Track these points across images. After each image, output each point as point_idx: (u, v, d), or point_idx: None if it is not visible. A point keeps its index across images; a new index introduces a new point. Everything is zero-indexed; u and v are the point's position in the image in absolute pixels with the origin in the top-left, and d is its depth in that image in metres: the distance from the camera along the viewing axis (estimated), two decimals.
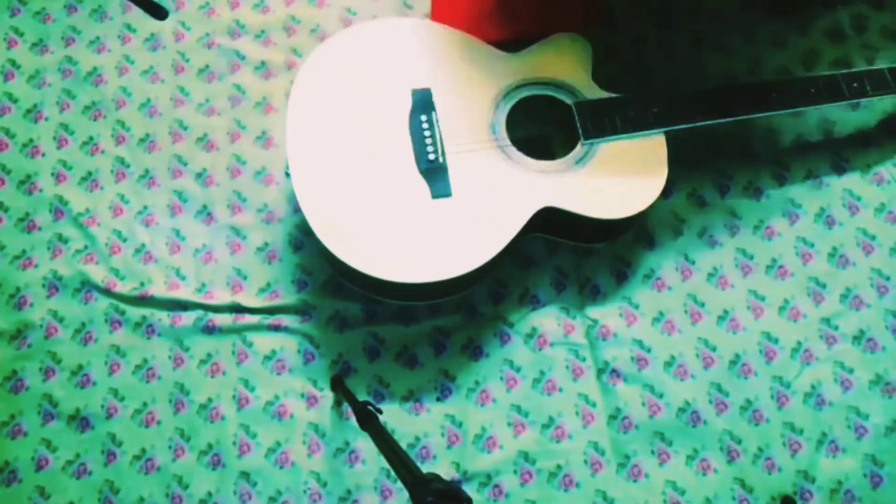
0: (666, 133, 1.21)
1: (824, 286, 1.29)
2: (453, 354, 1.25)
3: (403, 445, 1.15)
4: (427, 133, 1.19)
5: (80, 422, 1.21)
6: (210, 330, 1.26)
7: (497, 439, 1.21)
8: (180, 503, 1.18)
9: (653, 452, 1.21)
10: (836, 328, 1.27)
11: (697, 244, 1.31)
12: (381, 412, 1.06)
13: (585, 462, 1.20)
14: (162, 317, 1.26)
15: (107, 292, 1.27)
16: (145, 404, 1.22)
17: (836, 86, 1.24)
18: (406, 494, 0.86)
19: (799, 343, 1.26)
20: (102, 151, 1.34)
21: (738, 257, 1.30)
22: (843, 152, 1.36)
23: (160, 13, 1.34)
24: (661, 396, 1.23)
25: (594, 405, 1.23)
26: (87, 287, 1.27)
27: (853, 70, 1.26)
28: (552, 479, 1.20)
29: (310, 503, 1.18)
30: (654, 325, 1.27)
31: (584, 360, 1.25)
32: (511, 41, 1.29)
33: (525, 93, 1.23)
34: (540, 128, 1.27)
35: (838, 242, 1.31)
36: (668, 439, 1.22)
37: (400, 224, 1.15)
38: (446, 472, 1.19)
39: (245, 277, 1.28)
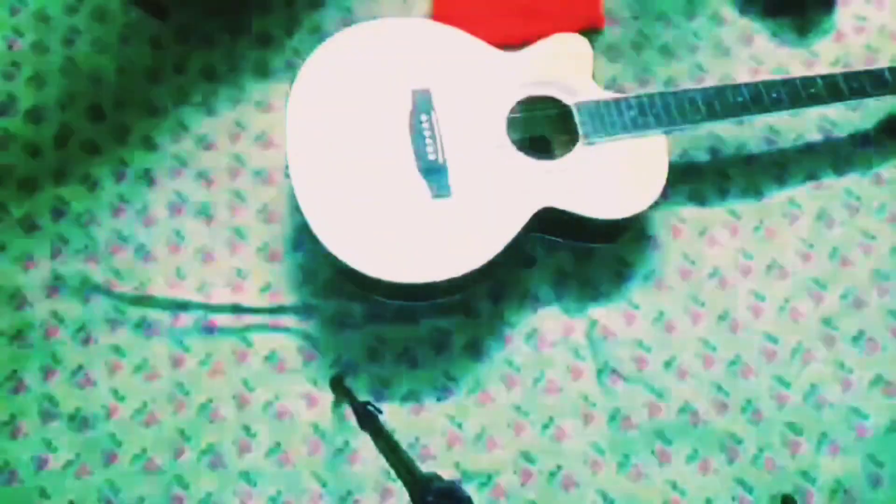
0: (666, 133, 1.21)
1: (824, 286, 1.29)
2: (453, 354, 1.25)
3: (403, 445, 1.14)
4: (427, 133, 1.19)
5: (80, 422, 1.21)
6: (210, 330, 1.26)
7: (497, 439, 1.21)
8: (180, 503, 1.18)
9: (653, 452, 1.21)
10: (836, 328, 1.27)
11: (697, 244, 1.31)
12: (381, 412, 1.06)
13: (585, 462, 1.20)
14: (162, 317, 1.26)
15: (107, 292, 1.26)
16: (145, 404, 1.22)
17: (835, 86, 1.24)
18: (406, 494, 0.86)
19: (799, 343, 1.26)
20: (102, 151, 1.34)
21: (738, 257, 1.30)
22: (843, 152, 1.36)
23: (160, 13, 1.34)
24: (661, 396, 1.23)
25: (594, 405, 1.23)
26: (87, 287, 1.27)
27: (853, 70, 1.26)
28: (552, 479, 1.20)
29: (310, 503, 1.18)
30: (654, 325, 1.27)
31: (584, 360, 1.25)
32: (511, 41, 1.29)
33: (525, 93, 1.23)
34: (540, 128, 1.27)
35: (838, 242, 1.31)
36: (668, 439, 1.22)
37: (400, 224, 1.15)
38: (446, 472, 1.19)
39: (245, 277, 1.28)
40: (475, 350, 1.26)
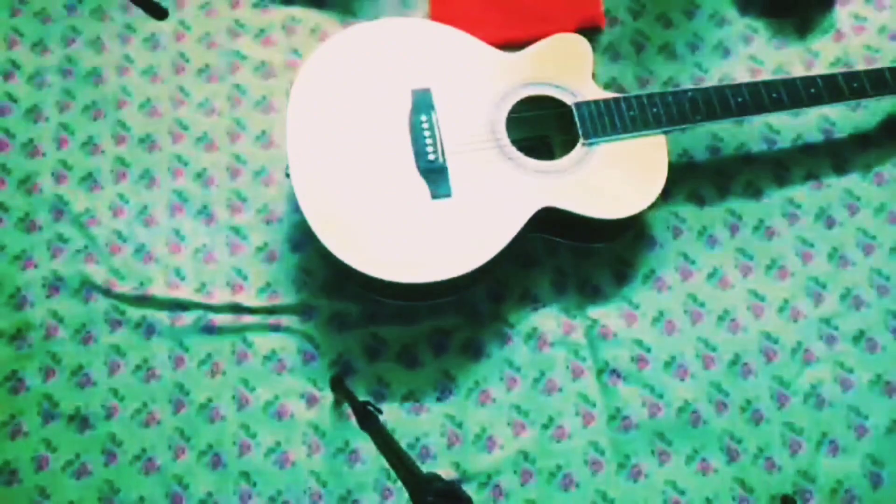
0: (666, 133, 1.21)
1: (824, 286, 1.29)
2: (453, 354, 1.25)
3: (403, 445, 1.14)
4: (427, 133, 1.19)
5: (80, 422, 1.21)
6: (210, 330, 1.26)
7: (497, 439, 1.22)
8: (180, 503, 1.18)
9: (653, 452, 1.21)
10: (836, 328, 1.27)
11: (697, 244, 1.31)
12: (381, 412, 1.06)
13: (585, 462, 1.20)
14: (162, 317, 1.26)
15: (107, 292, 1.27)
16: (145, 404, 1.22)
17: (835, 86, 1.24)
18: (406, 494, 0.86)
19: (799, 343, 1.26)
20: (102, 151, 1.34)
21: (738, 257, 1.30)
22: (843, 152, 1.36)
23: (160, 13, 1.34)
24: (661, 396, 1.23)
25: (594, 405, 1.23)
26: (87, 287, 1.27)
27: (853, 70, 1.26)
28: (552, 479, 1.20)
29: (310, 503, 1.18)
30: (654, 325, 1.27)
31: (584, 360, 1.25)
32: (511, 41, 1.29)
33: (525, 93, 1.23)
34: (540, 128, 1.27)
35: (838, 242, 1.31)
36: (668, 439, 1.22)
37: (400, 224, 1.15)
38: (446, 472, 1.19)
39: (245, 277, 1.28)
40: (475, 350, 1.26)
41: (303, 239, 1.30)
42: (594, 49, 1.27)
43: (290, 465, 1.20)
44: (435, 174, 1.17)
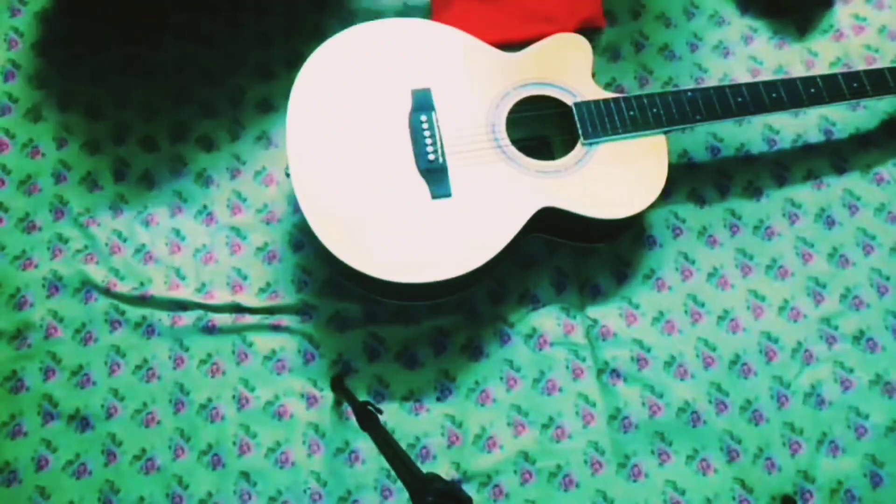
0: (666, 133, 1.21)
1: (824, 286, 1.29)
2: (453, 354, 1.25)
3: (403, 445, 1.15)
4: (427, 133, 1.19)
5: (80, 422, 1.21)
6: (210, 330, 1.26)
7: (497, 439, 1.21)
8: (180, 503, 1.18)
9: (653, 452, 1.21)
10: (836, 328, 1.27)
11: (697, 244, 1.31)
12: (381, 412, 1.06)
13: (585, 462, 1.20)
14: (162, 317, 1.26)
15: (107, 292, 1.27)
16: (145, 404, 1.22)
17: (836, 86, 1.24)
18: (406, 494, 0.86)
19: (799, 343, 1.26)
20: (102, 152, 1.34)
21: (738, 257, 1.30)
22: (843, 152, 1.36)
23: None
24: (661, 396, 1.23)
25: (594, 405, 1.23)
26: (87, 287, 1.27)
27: (853, 70, 1.26)
28: (552, 479, 1.20)
29: (310, 503, 1.18)
30: (654, 325, 1.27)
31: (583, 360, 1.25)
32: (511, 41, 1.29)
33: (525, 93, 1.23)
34: (540, 128, 1.27)
35: (838, 242, 1.31)
36: (668, 439, 1.22)
37: (400, 224, 1.15)
38: (446, 472, 1.20)
39: (245, 277, 1.28)
40: (475, 350, 1.26)
41: (303, 239, 1.30)
42: (594, 49, 1.27)
43: (290, 465, 1.20)
44: (435, 174, 1.17)
